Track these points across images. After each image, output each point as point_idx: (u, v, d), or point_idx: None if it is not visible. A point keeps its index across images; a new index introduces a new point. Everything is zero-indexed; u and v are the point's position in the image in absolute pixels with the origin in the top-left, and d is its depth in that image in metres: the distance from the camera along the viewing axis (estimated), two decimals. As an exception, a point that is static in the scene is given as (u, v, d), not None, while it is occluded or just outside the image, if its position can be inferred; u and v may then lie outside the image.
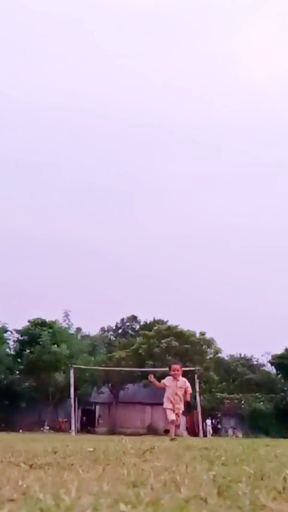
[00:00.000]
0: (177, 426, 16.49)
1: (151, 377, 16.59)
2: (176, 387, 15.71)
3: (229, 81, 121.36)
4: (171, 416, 15.66)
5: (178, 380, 15.84)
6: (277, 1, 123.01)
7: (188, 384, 16.08)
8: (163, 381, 16.03)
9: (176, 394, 15.71)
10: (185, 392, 15.87)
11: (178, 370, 15.97)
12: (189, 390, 16.08)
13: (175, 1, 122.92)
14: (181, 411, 16.01)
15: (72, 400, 46.18)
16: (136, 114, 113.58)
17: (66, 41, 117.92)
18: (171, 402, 15.72)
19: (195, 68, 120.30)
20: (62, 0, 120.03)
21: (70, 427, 48.35)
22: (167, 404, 15.89)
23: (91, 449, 7.45)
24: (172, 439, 13.55)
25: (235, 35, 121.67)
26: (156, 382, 16.36)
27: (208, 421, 64.00)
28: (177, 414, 15.81)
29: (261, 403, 68.76)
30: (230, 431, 65.38)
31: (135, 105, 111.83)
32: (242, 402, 68.80)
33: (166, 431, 16.29)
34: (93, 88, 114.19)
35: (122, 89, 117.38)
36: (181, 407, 15.90)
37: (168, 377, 15.97)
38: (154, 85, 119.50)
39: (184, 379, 16.11)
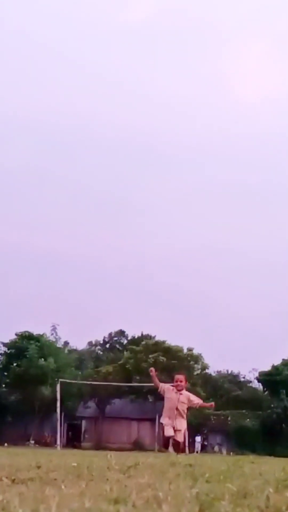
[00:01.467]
0: (177, 444, 14.46)
1: (152, 370, 15.31)
2: (178, 400, 14.29)
3: (218, 101, 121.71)
4: (169, 432, 14.13)
5: (182, 394, 14.44)
6: (266, 22, 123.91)
7: (193, 397, 14.83)
8: (165, 387, 14.70)
9: (177, 408, 14.25)
10: (190, 403, 14.61)
11: (181, 381, 14.64)
12: (196, 400, 14.91)
13: (165, 20, 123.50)
14: (183, 429, 14.35)
15: (58, 415, 46.05)
16: (124, 131, 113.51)
17: (55, 58, 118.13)
18: (170, 418, 14.26)
19: (184, 87, 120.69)
20: (51, 17, 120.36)
21: (56, 442, 48.23)
22: (165, 419, 14.39)
23: (75, 464, 7.40)
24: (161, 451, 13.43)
25: (224, 55, 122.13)
26: (155, 379, 15.01)
27: (198, 438, 63.85)
28: (176, 430, 14.21)
29: (248, 420, 68.66)
30: (216, 448, 65.22)
31: (123, 123, 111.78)
32: (229, 418, 68.68)
33: (162, 450, 14.88)
34: (80, 104, 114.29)
35: (110, 106, 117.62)
36: (182, 424, 14.32)
37: (170, 387, 14.65)
38: (143, 103, 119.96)
39: (188, 393, 14.70)
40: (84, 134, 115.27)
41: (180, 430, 14.29)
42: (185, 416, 14.48)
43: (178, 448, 14.45)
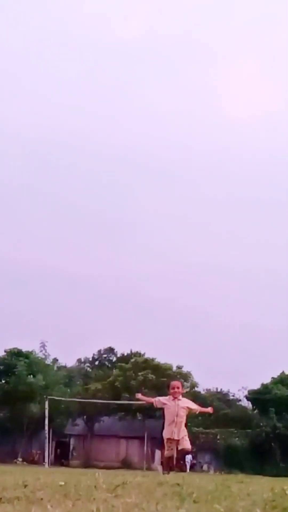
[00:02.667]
0: (177, 460, 13.63)
1: (139, 395, 14.79)
2: (177, 406, 13.40)
3: (209, 117, 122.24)
4: (168, 452, 13.32)
5: (180, 400, 13.60)
6: (257, 40, 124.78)
7: (191, 403, 14.13)
8: (160, 399, 13.96)
9: (178, 415, 13.34)
10: (190, 409, 13.78)
11: (178, 388, 13.75)
12: (195, 406, 14.15)
13: (156, 36, 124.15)
14: (186, 438, 13.39)
15: (47, 432, 45.86)
16: (117, 148, 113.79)
17: (46, 75, 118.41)
18: (171, 429, 13.28)
19: (176, 103, 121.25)
20: (44, 35, 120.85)
21: (44, 459, 47.98)
22: (167, 433, 13.35)
23: (62, 483, 7.36)
24: (164, 473, 12.55)
25: (215, 72, 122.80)
26: (146, 398, 14.61)
27: (188, 456, 63.53)
28: (180, 439, 13.24)
29: (237, 438, 68.50)
30: (205, 466, 65.00)
31: (115, 140, 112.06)
32: (218, 437, 68.49)
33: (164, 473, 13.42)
34: (70, 120, 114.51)
35: (101, 122, 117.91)
36: (185, 433, 13.41)
37: (164, 397, 13.87)
38: (135, 120, 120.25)
39: (186, 399, 14.00)
40: (76, 152, 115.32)
41: (184, 437, 13.39)
42: (184, 422, 13.58)
43: (182, 460, 14.12)
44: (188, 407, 13.71)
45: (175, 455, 13.38)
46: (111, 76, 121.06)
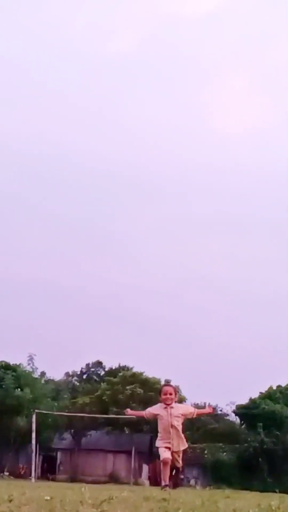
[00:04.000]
0: (178, 470, 12.47)
1: (128, 411, 13.40)
2: (171, 416, 11.93)
3: (200, 133, 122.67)
4: (164, 454, 11.77)
5: (173, 408, 12.09)
6: (247, 57, 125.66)
7: (186, 407, 13.24)
8: (150, 409, 12.59)
9: (172, 425, 11.90)
10: (186, 415, 12.37)
11: (171, 394, 12.17)
12: (191, 409, 12.84)
13: (148, 52, 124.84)
14: (181, 449, 12.07)
15: (34, 446, 45.62)
16: (107, 162, 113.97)
17: (36, 86, 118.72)
18: (165, 439, 11.92)
19: (167, 118, 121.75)
20: (32, 45, 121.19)
21: (30, 473, 47.71)
22: (160, 442, 12.01)
23: (48, 498, 7.32)
24: (163, 487, 11.32)
25: (207, 88, 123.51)
26: (135, 412, 13.65)
27: (177, 471, 63.40)
28: (174, 452, 11.89)
29: (224, 453, 68.39)
30: (192, 481, 64.80)
31: (104, 153, 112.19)
32: (205, 452, 68.35)
33: (164, 486, 11.62)
34: (61, 133, 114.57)
35: (92, 136, 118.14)
36: (181, 444, 12.05)
37: (158, 405, 12.39)
38: (125, 133, 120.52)
39: (183, 405, 13.09)
40: (66, 165, 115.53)
41: (178, 452, 12.00)
42: (181, 432, 12.12)
43: (177, 477, 12.53)
44: (183, 414, 12.22)
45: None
46: (102, 90, 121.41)
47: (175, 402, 12.41)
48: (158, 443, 12.14)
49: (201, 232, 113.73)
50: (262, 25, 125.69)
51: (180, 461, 12.23)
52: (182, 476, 63.23)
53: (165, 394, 12.19)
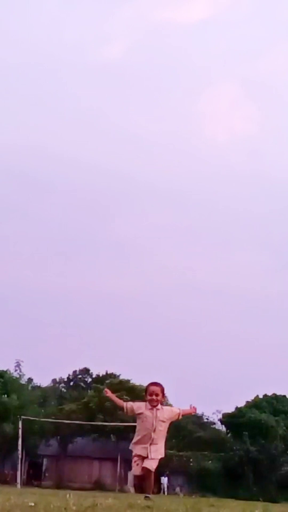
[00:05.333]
0: (147, 476, 10.24)
1: (107, 391, 11.25)
2: (156, 419, 10.22)
3: (192, 141, 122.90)
4: (136, 470, 10.19)
5: (159, 409, 10.36)
6: (237, 65, 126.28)
7: (171, 410, 10.73)
8: (133, 404, 10.65)
9: (155, 430, 10.21)
10: (171, 418, 10.52)
11: (157, 395, 10.40)
12: (176, 411, 10.64)
13: (139, 59, 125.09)
14: (159, 456, 10.25)
15: (20, 452, 45.57)
16: (96, 170, 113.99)
17: (23, 95, 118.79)
18: (143, 444, 10.22)
19: (158, 126, 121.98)
20: (22, 56, 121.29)
21: (16, 480, 47.65)
22: (136, 447, 10.32)
23: (32, 504, 7.39)
24: (146, 497, 10.01)
25: (198, 96, 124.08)
26: (115, 398, 11.21)
27: (165, 479, 63.41)
28: (151, 459, 10.12)
29: (210, 461, 68.38)
30: (177, 489, 64.75)
31: (95, 162, 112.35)
32: (191, 460, 68.32)
33: (146, 497, 10.10)
34: (52, 143, 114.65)
35: (84, 143, 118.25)
36: (159, 452, 10.25)
37: (142, 403, 10.58)
38: (117, 140, 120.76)
39: (168, 408, 10.84)
40: (57, 175, 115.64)
41: (154, 460, 10.23)
42: (164, 439, 10.45)
43: (149, 481, 10.33)
44: (169, 419, 10.49)
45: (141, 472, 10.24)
46: (93, 97, 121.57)
47: (162, 404, 10.58)
48: (133, 447, 10.42)
49: (194, 236, 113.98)
50: (253, 35, 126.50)
51: (155, 464, 10.27)
52: (168, 484, 63.32)
53: (151, 394, 10.44)
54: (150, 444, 10.22)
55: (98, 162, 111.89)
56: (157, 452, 10.24)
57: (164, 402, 11.01)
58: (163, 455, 10.32)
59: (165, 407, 10.60)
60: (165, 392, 10.66)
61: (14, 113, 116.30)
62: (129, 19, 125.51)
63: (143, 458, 10.18)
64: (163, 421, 10.35)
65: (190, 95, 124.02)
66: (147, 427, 10.24)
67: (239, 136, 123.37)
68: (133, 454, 10.34)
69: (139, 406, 10.51)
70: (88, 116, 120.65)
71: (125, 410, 10.67)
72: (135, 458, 10.26)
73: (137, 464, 10.20)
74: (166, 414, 10.45)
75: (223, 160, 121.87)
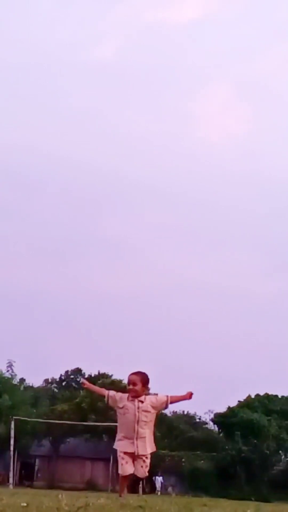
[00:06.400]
0: (140, 479, 10.12)
1: (85, 383, 10.60)
2: (139, 410, 9.41)
3: (186, 140, 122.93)
4: (125, 469, 9.41)
5: (143, 402, 9.52)
6: (230, 66, 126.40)
7: (157, 398, 9.71)
8: (115, 394, 9.82)
9: (138, 422, 9.41)
10: (157, 407, 9.67)
11: (135, 384, 9.54)
12: (162, 399, 9.69)
13: (131, 59, 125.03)
14: (149, 452, 9.53)
15: (12, 452, 45.44)
16: (90, 170, 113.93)
17: (16, 96, 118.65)
18: (128, 439, 9.46)
19: (153, 126, 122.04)
20: (19, 53, 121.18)
21: (8, 480, 47.53)
22: (121, 444, 9.54)
23: (25, 504, 7.39)
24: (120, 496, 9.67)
25: (191, 96, 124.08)
26: (94, 387, 10.74)
27: (159, 478, 63.45)
28: (138, 457, 9.42)
29: (202, 461, 68.41)
30: (170, 489, 64.74)
31: (90, 160, 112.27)
32: (183, 460, 68.35)
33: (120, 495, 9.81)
34: (44, 143, 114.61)
35: (78, 143, 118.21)
36: (148, 446, 9.50)
37: (126, 394, 9.68)
38: (110, 140, 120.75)
39: (153, 396, 9.76)
40: (50, 175, 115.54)
41: (144, 456, 9.50)
42: (152, 432, 9.62)
43: (128, 483, 9.96)
44: (154, 407, 9.63)
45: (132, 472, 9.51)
46: (86, 99, 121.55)
47: (143, 395, 9.65)
48: (117, 444, 9.62)
49: (185, 236, 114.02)
50: (246, 35, 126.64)
51: (147, 468, 9.57)
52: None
53: (128, 384, 9.61)
54: (136, 438, 9.44)
55: (92, 162, 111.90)
56: (145, 447, 9.48)
57: (145, 393, 9.70)
58: (154, 449, 9.62)
59: (148, 396, 9.69)
60: (147, 382, 9.72)
61: (6, 112, 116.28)
62: (122, 19, 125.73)
63: (131, 455, 9.44)
64: (148, 411, 9.53)
65: (183, 95, 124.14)
66: (130, 419, 9.46)
67: (232, 136, 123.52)
68: (119, 451, 9.53)
69: (121, 397, 9.69)
70: (81, 115, 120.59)
71: (106, 398, 9.89)
72: (122, 455, 9.47)
73: (127, 462, 9.44)
74: (150, 403, 9.61)
75: (217, 160, 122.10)
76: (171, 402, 9.86)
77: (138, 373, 9.71)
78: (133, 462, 9.49)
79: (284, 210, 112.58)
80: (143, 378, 9.67)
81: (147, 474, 9.56)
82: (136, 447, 9.41)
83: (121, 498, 9.57)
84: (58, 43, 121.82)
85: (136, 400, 9.49)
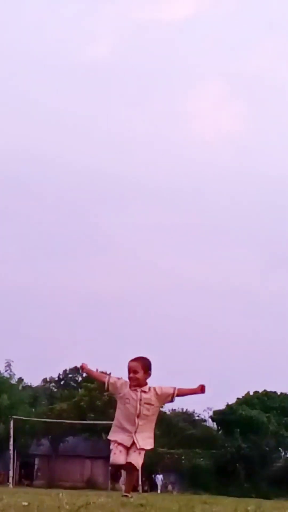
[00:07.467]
0: (134, 475, 9.20)
1: (84, 366, 9.52)
2: (140, 402, 8.65)
3: (179, 139, 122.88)
4: (117, 457, 8.77)
5: (146, 392, 8.75)
6: (224, 63, 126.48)
7: (163, 389, 8.85)
8: (116, 381, 9.02)
9: (139, 415, 8.66)
10: (162, 399, 8.87)
11: (136, 372, 8.74)
12: (168, 391, 8.84)
13: (124, 57, 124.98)
14: (148, 447, 8.79)
15: (11, 452, 45.49)
16: (81, 170, 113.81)
17: (8, 96, 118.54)
18: (125, 431, 8.80)
19: (146, 125, 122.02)
20: (10, 54, 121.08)
21: (8, 479, 47.57)
22: (117, 435, 8.94)
23: (26, 504, 7.35)
24: (125, 496, 9.10)
25: (185, 94, 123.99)
26: (94, 373, 10.24)
27: (160, 476, 63.51)
28: (137, 450, 8.70)
29: (201, 459, 68.45)
30: (169, 487, 64.80)
31: (81, 161, 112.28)
32: (182, 457, 68.39)
33: (125, 496, 9.08)
34: (36, 144, 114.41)
35: (70, 144, 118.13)
36: (147, 440, 8.78)
37: (126, 381, 8.88)
38: (103, 140, 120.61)
39: (159, 387, 8.88)
40: (41, 176, 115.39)
41: (141, 455, 8.77)
42: (152, 427, 8.89)
43: (131, 477, 9.24)
44: (159, 399, 8.86)
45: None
46: (80, 99, 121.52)
47: (144, 382, 8.85)
48: (112, 435, 9.02)
49: (180, 236, 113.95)
50: (239, 32, 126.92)
51: (141, 460, 8.82)
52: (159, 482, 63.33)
53: (129, 372, 8.80)
54: (135, 432, 8.70)
55: (83, 162, 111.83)
56: (145, 441, 8.75)
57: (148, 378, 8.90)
58: (152, 446, 8.83)
59: (154, 388, 8.84)
60: (149, 367, 8.90)
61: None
62: (114, 17, 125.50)
63: (126, 447, 8.74)
64: (150, 404, 8.73)
65: (176, 93, 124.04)
66: (130, 411, 8.71)
67: (226, 133, 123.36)
68: (113, 440, 8.91)
69: (123, 384, 8.88)
70: (74, 116, 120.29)
71: (106, 385, 9.06)
72: (117, 445, 8.81)
73: (120, 451, 8.76)
74: (154, 394, 8.80)
75: (211, 157, 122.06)
76: (179, 395, 9.01)
77: (138, 359, 8.92)
78: (127, 452, 8.78)
79: (280, 207, 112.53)
80: (145, 364, 8.90)
81: (139, 465, 8.81)
82: (136, 440, 8.71)
83: (128, 495, 9.10)
84: (48, 43, 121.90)
85: (138, 390, 8.73)
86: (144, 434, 8.78)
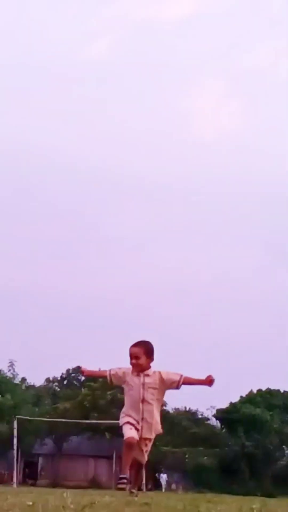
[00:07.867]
0: (141, 466, 8.94)
1: (84, 370, 9.41)
2: (143, 387, 8.41)
3: (179, 138, 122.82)
4: (130, 432, 8.27)
5: (149, 375, 8.52)
6: (222, 62, 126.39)
7: (168, 375, 8.62)
8: (118, 371, 8.72)
9: (144, 400, 8.39)
10: (166, 385, 8.57)
11: (138, 357, 8.51)
12: (174, 377, 8.60)
13: (123, 57, 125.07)
14: (153, 436, 8.57)
15: (15, 451, 45.52)
16: (83, 164, 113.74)
17: (9, 93, 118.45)
18: (134, 417, 8.43)
19: (145, 124, 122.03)
20: (9, 52, 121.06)
21: (12, 479, 47.62)
22: (125, 418, 8.50)
23: (30, 503, 7.34)
24: (131, 492, 8.86)
25: (183, 94, 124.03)
26: (95, 372, 9.80)
27: (164, 475, 63.55)
28: (140, 440, 8.38)
29: (205, 457, 68.45)
30: (173, 486, 64.82)
31: (81, 159, 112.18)
32: (186, 456, 68.39)
33: (120, 488, 8.51)
34: (38, 141, 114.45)
35: (70, 142, 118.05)
36: (152, 427, 8.49)
37: (129, 368, 8.62)
38: (102, 139, 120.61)
39: (164, 372, 8.64)
40: (44, 172, 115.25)
41: (148, 440, 8.55)
42: (158, 411, 8.62)
43: (139, 473, 9.11)
44: (163, 383, 8.59)
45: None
46: (78, 98, 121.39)
47: (148, 367, 8.63)
48: (122, 420, 8.53)
49: (179, 234, 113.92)
50: (237, 30, 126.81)
51: (147, 453, 8.64)
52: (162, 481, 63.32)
53: (130, 358, 8.54)
54: (142, 419, 8.40)
55: (83, 160, 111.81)
56: (150, 429, 8.45)
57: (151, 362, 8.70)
58: (160, 431, 8.59)
59: (158, 372, 8.61)
60: (151, 352, 8.69)
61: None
62: (113, 17, 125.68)
63: (136, 428, 8.35)
64: (154, 388, 8.47)
65: (175, 92, 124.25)
66: (135, 397, 8.44)
67: (225, 132, 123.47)
68: (125, 420, 8.44)
69: (125, 372, 8.59)
70: (73, 114, 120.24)
71: (108, 378, 8.76)
72: (130, 423, 8.38)
73: (131, 428, 8.33)
74: (159, 378, 8.55)
75: (210, 156, 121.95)
76: (185, 383, 8.70)
77: (139, 344, 8.66)
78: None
79: (280, 204, 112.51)
80: (147, 349, 8.67)
81: (144, 462, 8.70)
82: (141, 427, 8.39)
83: (134, 492, 8.88)
84: (48, 42, 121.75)
85: (141, 375, 8.49)
86: (149, 424, 8.47)
